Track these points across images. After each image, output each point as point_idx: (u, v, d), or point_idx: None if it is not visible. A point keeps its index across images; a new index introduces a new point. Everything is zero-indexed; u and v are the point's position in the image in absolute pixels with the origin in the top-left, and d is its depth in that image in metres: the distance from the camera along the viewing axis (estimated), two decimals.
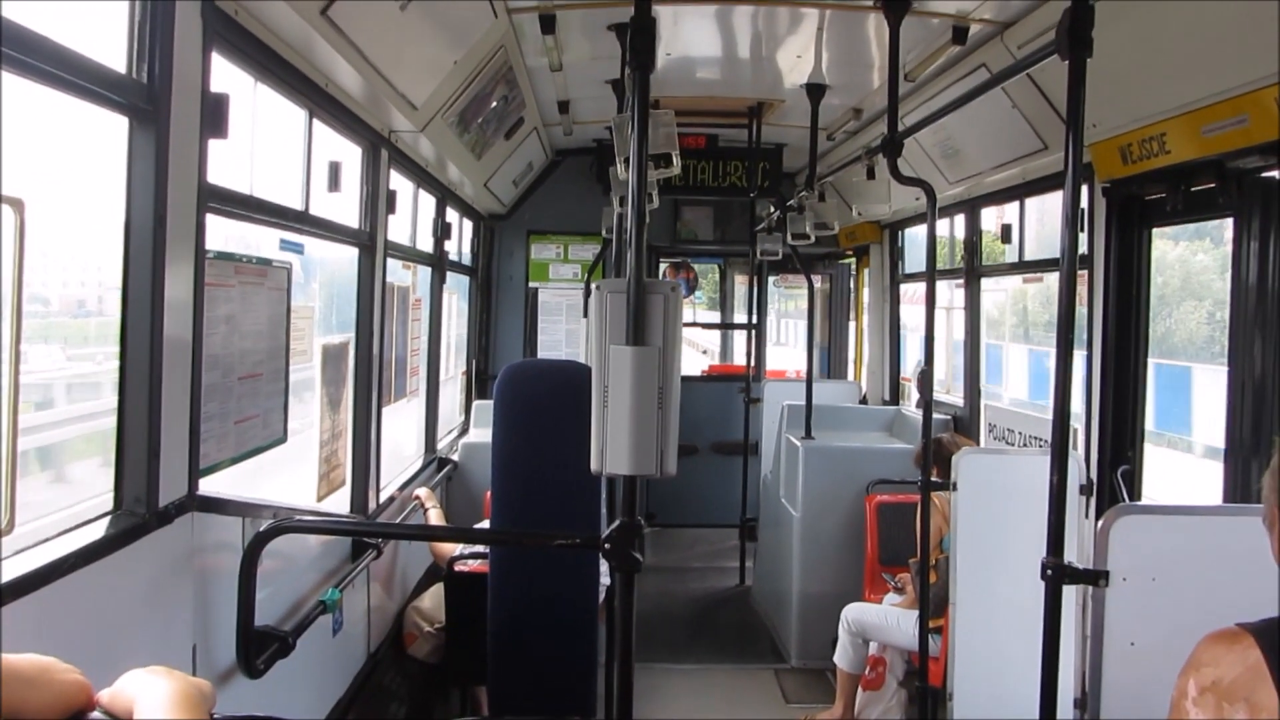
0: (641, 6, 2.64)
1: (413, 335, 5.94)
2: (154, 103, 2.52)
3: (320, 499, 4.29)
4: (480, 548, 4.60)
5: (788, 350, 17.29)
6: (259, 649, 3.16)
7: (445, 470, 6.63)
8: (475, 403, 8.04)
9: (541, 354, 9.13)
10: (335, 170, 4.26)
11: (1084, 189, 4.38)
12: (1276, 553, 1.85)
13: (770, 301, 11.43)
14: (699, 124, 7.82)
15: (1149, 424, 4.65)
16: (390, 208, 4.95)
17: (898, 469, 6.28)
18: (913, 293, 8.47)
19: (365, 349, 4.69)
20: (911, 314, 8.57)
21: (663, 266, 10.33)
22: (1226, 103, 3.40)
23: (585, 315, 8.34)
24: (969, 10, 4.39)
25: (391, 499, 5.26)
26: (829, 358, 10.56)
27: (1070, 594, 2.95)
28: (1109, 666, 2.88)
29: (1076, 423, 4.52)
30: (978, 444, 6.06)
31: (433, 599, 5.19)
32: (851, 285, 9.86)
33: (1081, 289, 4.52)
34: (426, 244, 6.43)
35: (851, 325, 9.94)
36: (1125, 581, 2.86)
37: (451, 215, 6.96)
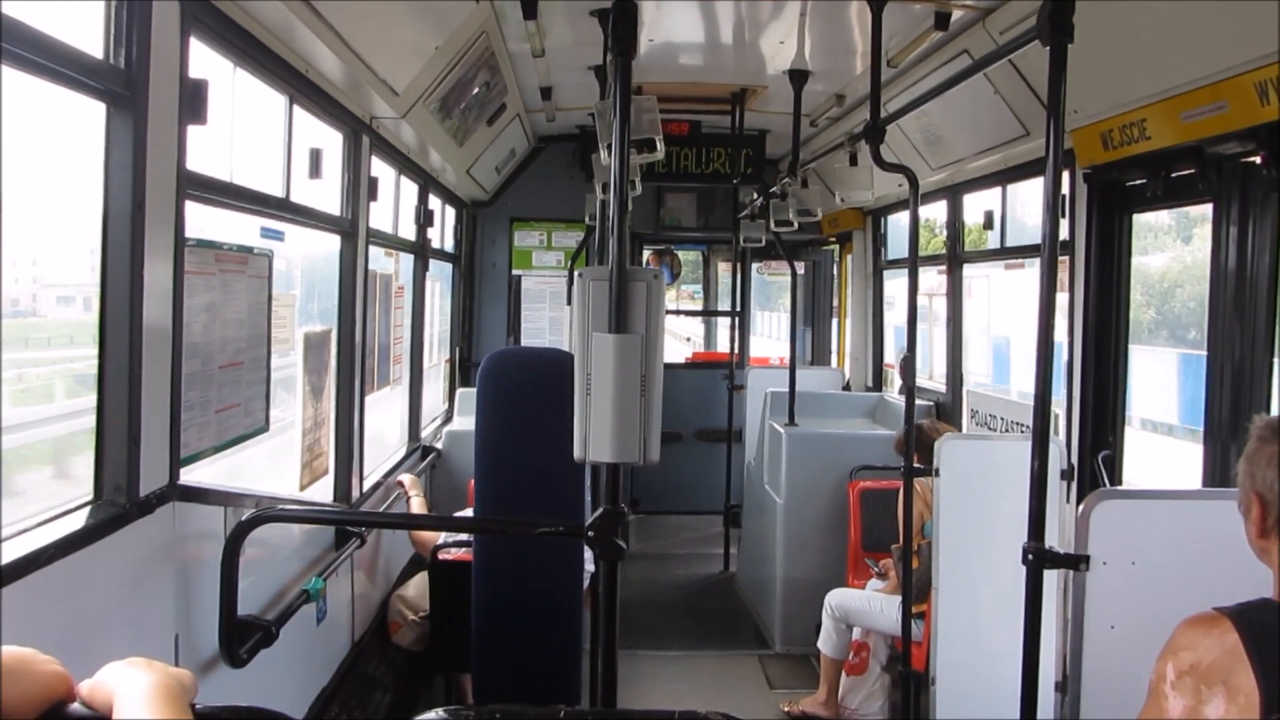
0: None
1: (395, 323, 5.92)
2: (132, 88, 2.49)
3: (303, 488, 4.27)
4: (464, 536, 4.60)
5: (771, 342, 17.29)
6: (242, 638, 3.15)
7: (429, 458, 6.62)
8: (459, 390, 8.02)
9: (525, 341, 9.11)
10: (316, 157, 4.23)
11: (1065, 175, 4.40)
12: (1253, 538, 1.87)
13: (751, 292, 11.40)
14: (682, 110, 7.81)
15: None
16: (372, 195, 4.92)
17: (880, 455, 6.31)
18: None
19: (348, 337, 4.67)
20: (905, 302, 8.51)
21: (646, 253, 10.31)
22: (1206, 89, 3.42)
23: (568, 303, 8.33)
24: None
25: (375, 487, 5.25)
26: (812, 345, 10.57)
27: (1051, 578, 2.97)
28: (1089, 650, 2.91)
29: (1058, 408, 4.55)
30: (960, 430, 6.09)
31: (417, 587, 5.18)
32: (835, 272, 9.87)
33: (1063, 275, 4.54)
34: (409, 231, 6.40)
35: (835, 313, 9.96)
36: (1105, 566, 2.89)
37: (434, 202, 6.94)
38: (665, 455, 2.56)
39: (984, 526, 3.81)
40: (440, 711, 1.46)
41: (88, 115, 2.48)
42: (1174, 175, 3.94)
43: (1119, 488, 4.29)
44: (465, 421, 7.14)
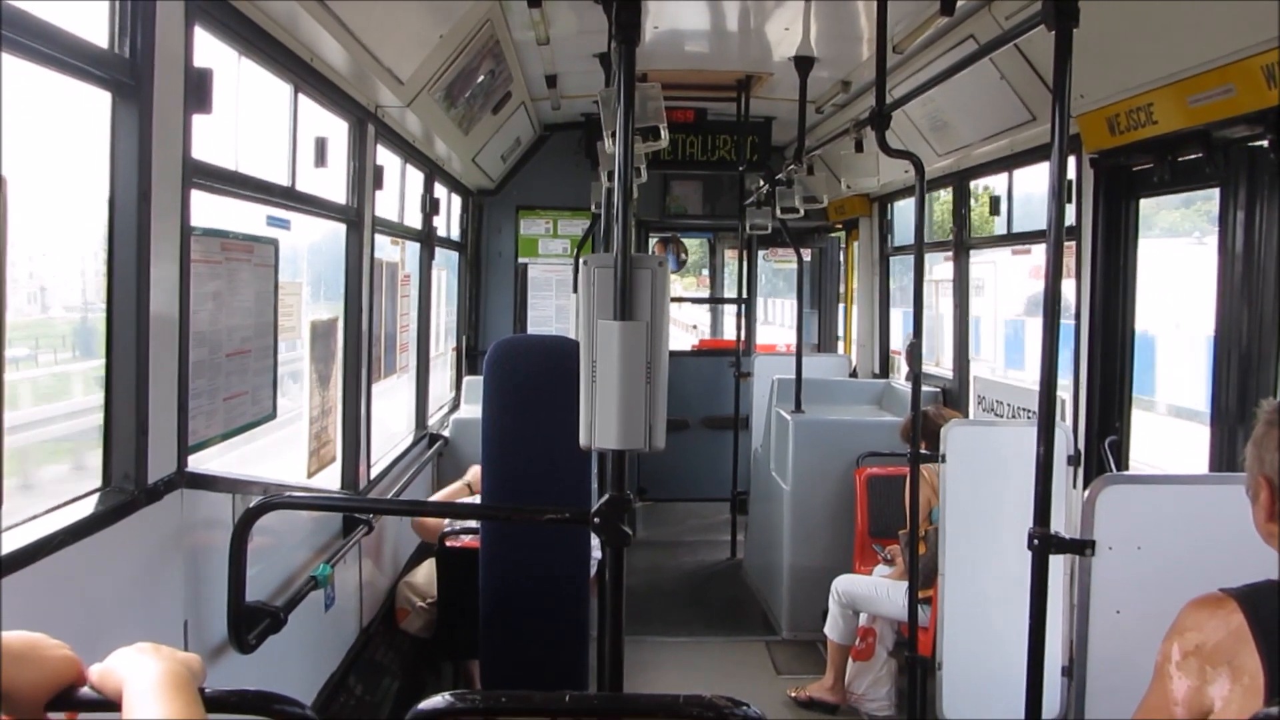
0: None
1: (402, 311, 5.93)
2: (137, 78, 2.50)
3: (310, 475, 4.29)
4: (471, 523, 4.61)
5: (777, 329, 17.27)
6: (250, 624, 3.17)
7: (436, 446, 6.63)
8: (465, 378, 8.03)
9: (531, 329, 9.11)
10: (321, 146, 4.24)
11: (1071, 160, 4.39)
12: (1261, 522, 1.87)
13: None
14: (687, 97, 7.79)
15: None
16: (377, 183, 4.92)
17: (887, 442, 6.30)
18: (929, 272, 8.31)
19: (354, 325, 4.68)
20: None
21: (652, 241, 10.30)
22: (1213, 72, 3.40)
23: (574, 290, 8.33)
24: None
25: (382, 474, 5.26)
26: (819, 331, 10.56)
27: (1057, 563, 2.98)
28: (1095, 635, 2.91)
29: (1065, 394, 4.54)
30: (966, 416, 6.09)
31: (425, 574, 5.20)
32: (841, 259, 9.86)
33: (1069, 260, 4.53)
34: (415, 220, 6.41)
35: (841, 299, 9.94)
36: (1111, 550, 2.88)
37: (440, 191, 6.94)
38: (671, 442, 2.56)
39: (990, 512, 3.81)
40: (448, 696, 1.47)
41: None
42: (1181, 160, 3.92)
43: (1125, 473, 4.28)
44: (472, 409, 7.16)
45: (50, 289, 3.24)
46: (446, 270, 7.99)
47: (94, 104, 2.47)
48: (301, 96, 3.94)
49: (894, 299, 8.45)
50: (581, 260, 2.57)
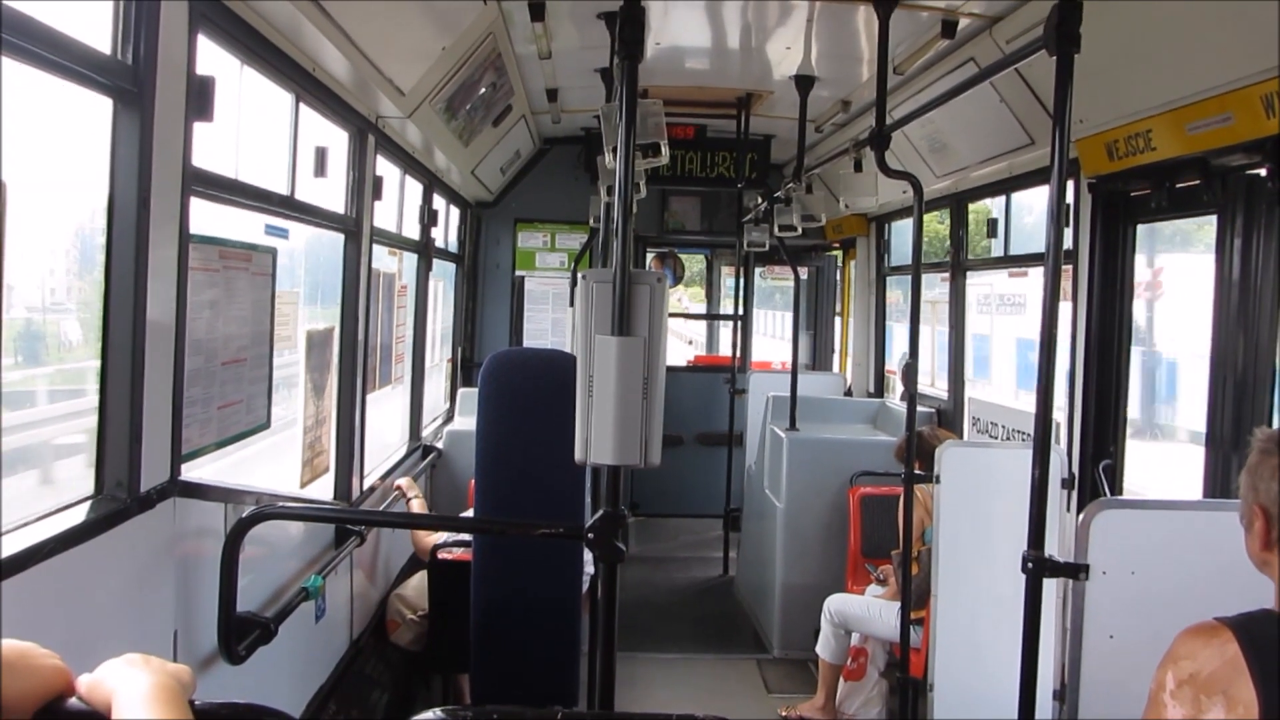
0: None
1: (398, 322, 5.92)
2: (139, 85, 2.50)
3: (303, 485, 4.28)
4: (464, 536, 4.60)
5: (773, 341, 17.28)
6: (240, 635, 3.15)
7: (430, 458, 6.62)
8: (460, 390, 8.02)
9: (527, 343, 9.11)
10: (322, 155, 4.24)
11: (1070, 184, 4.40)
12: (1255, 551, 1.87)
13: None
14: (687, 114, 7.81)
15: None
16: (376, 194, 4.92)
17: (881, 461, 6.31)
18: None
19: (350, 335, 4.68)
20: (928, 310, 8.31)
21: (649, 257, 10.32)
22: (1212, 100, 3.42)
23: (571, 304, 8.33)
24: (958, 4, 4.39)
25: (374, 487, 5.25)
26: (814, 349, 10.57)
27: (1051, 587, 2.97)
28: (1088, 659, 2.90)
29: (1060, 415, 4.54)
30: (961, 437, 6.08)
31: (416, 587, 5.19)
32: (838, 278, 9.87)
33: (1066, 284, 4.54)
34: (413, 231, 6.41)
35: (837, 318, 9.94)
36: (1105, 575, 2.88)
37: (438, 202, 6.94)
38: (665, 458, 2.57)
39: (984, 534, 3.81)
40: (438, 711, 1.46)
41: None
42: (1179, 186, 3.93)
43: (1120, 497, 4.28)
44: (466, 421, 7.15)
45: (15, 288, 3.20)
46: (444, 281, 7.99)
47: (69, 101, 2.45)
48: (302, 106, 3.94)
49: (890, 315, 8.46)
50: (580, 275, 2.57)
